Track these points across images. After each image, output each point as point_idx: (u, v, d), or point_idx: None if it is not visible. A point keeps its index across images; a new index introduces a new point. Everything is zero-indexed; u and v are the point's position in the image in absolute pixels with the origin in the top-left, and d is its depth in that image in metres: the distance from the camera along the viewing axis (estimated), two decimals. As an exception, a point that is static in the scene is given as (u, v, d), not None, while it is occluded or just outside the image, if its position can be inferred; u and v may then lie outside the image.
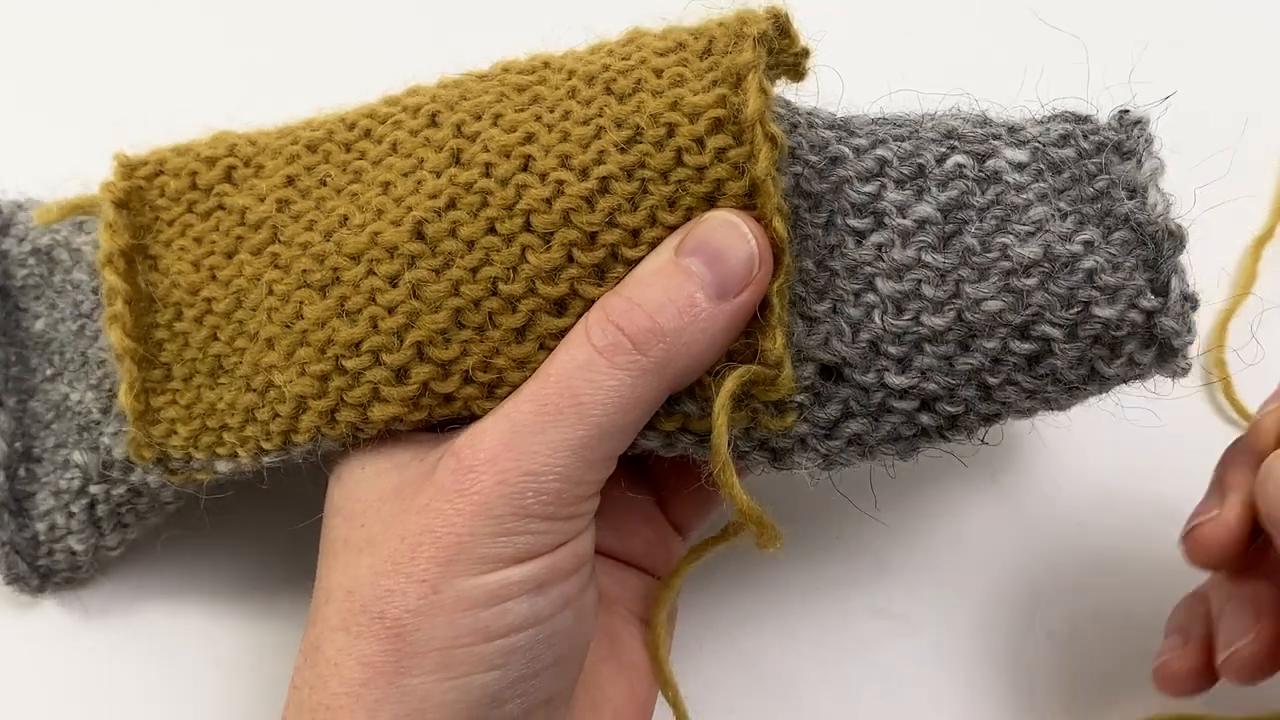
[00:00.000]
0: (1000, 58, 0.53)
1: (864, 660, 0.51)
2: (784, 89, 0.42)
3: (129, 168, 0.45)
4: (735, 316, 0.38)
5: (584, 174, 0.38)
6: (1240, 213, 0.53)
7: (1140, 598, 0.52)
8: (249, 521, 0.51)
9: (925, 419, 0.40)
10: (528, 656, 0.36)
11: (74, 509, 0.47)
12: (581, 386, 0.37)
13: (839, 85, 0.43)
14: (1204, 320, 0.54)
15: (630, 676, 0.43)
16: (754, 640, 0.52)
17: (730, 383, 0.38)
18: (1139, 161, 0.39)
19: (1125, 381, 0.41)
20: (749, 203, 0.38)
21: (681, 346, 0.37)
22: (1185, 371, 0.40)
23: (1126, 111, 0.41)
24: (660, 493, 0.47)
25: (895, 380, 0.39)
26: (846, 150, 0.40)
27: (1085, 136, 0.40)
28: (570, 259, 0.38)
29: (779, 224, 0.38)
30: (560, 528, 0.37)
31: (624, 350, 0.37)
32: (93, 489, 0.47)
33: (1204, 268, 0.41)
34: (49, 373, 0.49)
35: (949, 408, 0.40)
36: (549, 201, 0.38)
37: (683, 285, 0.37)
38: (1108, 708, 0.50)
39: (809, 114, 0.41)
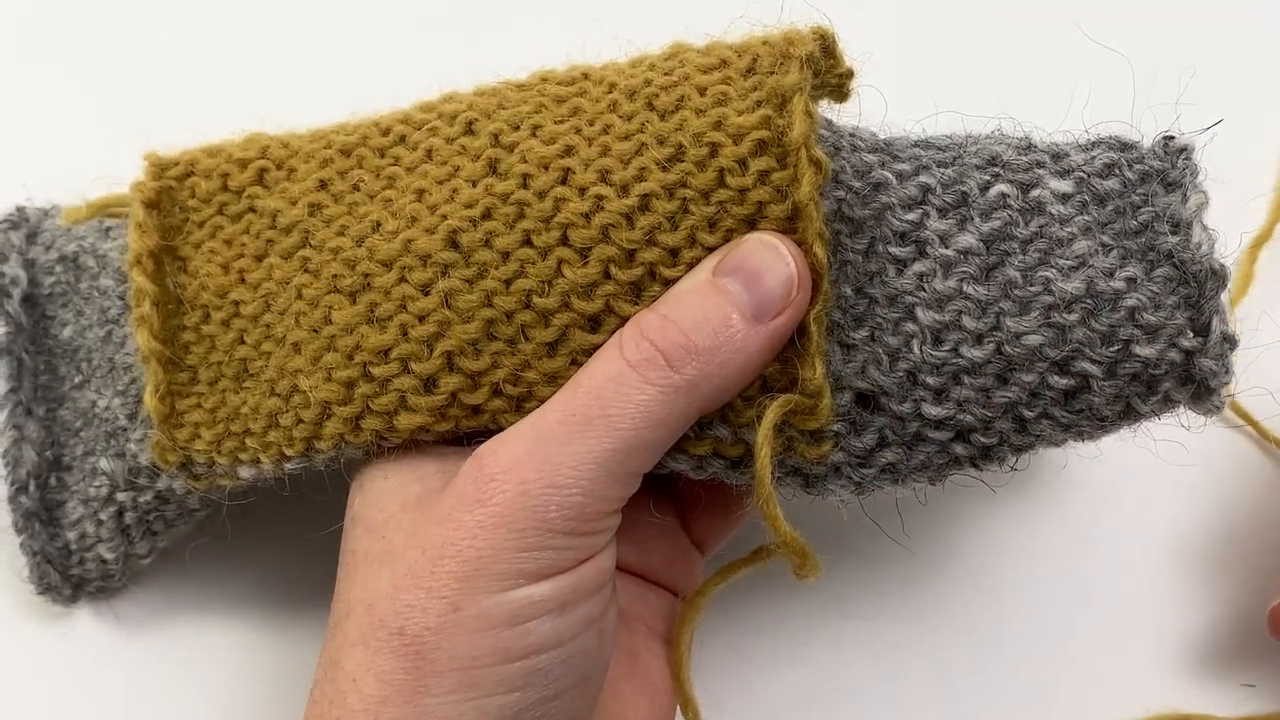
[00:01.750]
0: (1045, 76, 0.52)
1: (876, 671, 0.51)
2: (827, 109, 0.42)
3: (160, 168, 0.45)
4: (771, 339, 0.37)
5: (624, 190, 0.38)
6: (1240, 212, 0.53)
7: (1141, 598, 0.52)
8: (278, 528, 0.51)
9: (959, 449, 0.39)
10: (549, 678, 0.36)
11: (103, 516, 0.47)
12: (611, 399, 0.36)
13: (882, 105, 0.43)
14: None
15: (649, 694, 0.43)
16: (768, 653, 0.52)
17: (772, 414, 0.37)
18: (1184, 195, 0.39)
19: (1158, 416, 0.40)
20: (790, 227, 0.38)
21: (715, 366, 0.36)
22: (1219, 410, 0.39)
23: (1171, 138, 0.40)
24: (682, 510, 0.47)
25: (932, 411, 0.39)
26: (890, 176, 0.40)
27: (1130, 165, 0.40)
28: (607, 275, 0.38)
29: (819, 249, 0.37)
30: (582, 543, 0.36)
31: (657, 366, 0.36)
32: (120, 496, 0.46)
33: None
34: (77, 380, 0.49)
35: (984, 439, 0.39)
36: (588, 216, 0.38)
37: (719, 305, 0.37)
38: (1108, 707, 0.50)
39: (851, 135, 0.41)
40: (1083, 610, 0.52)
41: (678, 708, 0.45)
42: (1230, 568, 0.52)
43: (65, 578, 0.49)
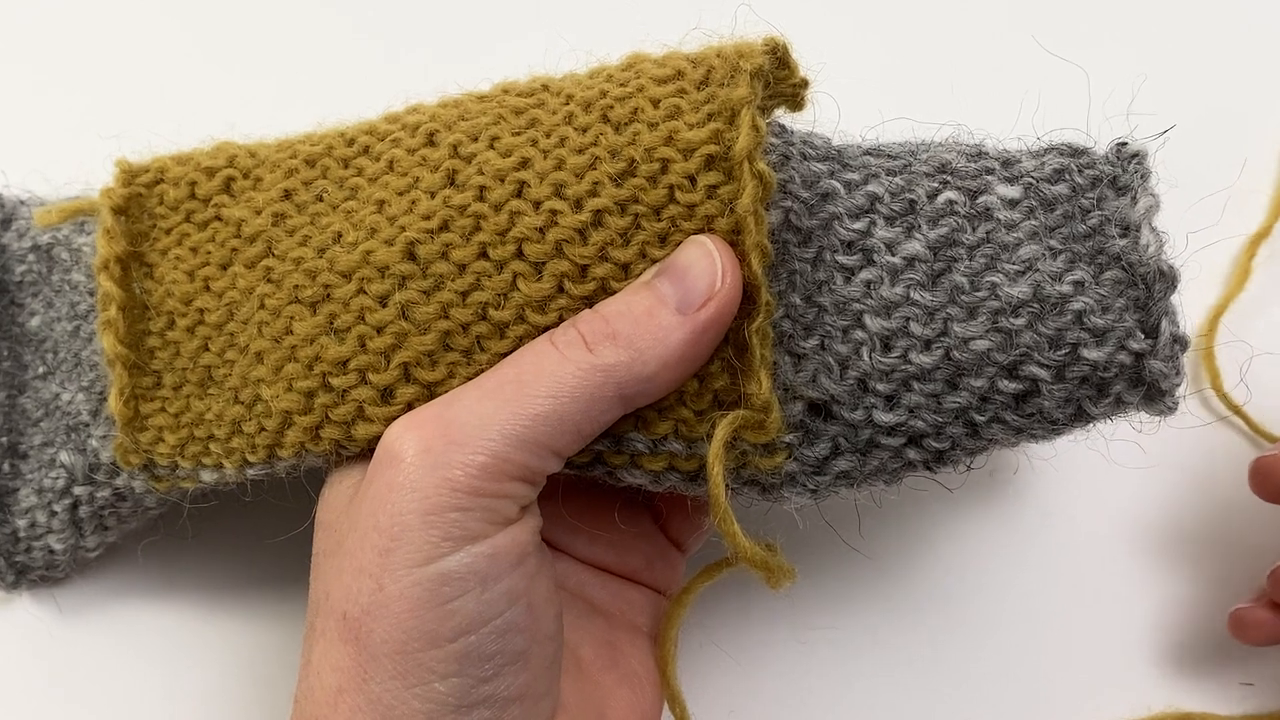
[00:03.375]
0: (1001, 86, 0.53)
1: (866, 668, 0.52)
2: (783, 117, 0.42)
3: (129, 174, 0.45)
4: (697, 331, 0.38)
5: (578, 205, 0.38)
6: (1238, 209, 0.54)
7: (1139, 597, 0.52)
8: (230, 531, 0.51)
9: (912, 454, 0.40)
10: (483, 658, 0.36)
11: (56, 508, 0.48)
12: (527, 370, 0.37)
13: (836, 111, 0.43)
14: (1197, 316, 0.55)
15: (633, 685, 0.43)
16: (752, 648, 0.52)
17: (722, 430, 0.38)
18: (1134, 198, 0.39)
19: (1110, 418, 0.40)
20: (734, 239, 0.38)
21: (634, 352, 0.37)
22: (1172, 411, 0.39)
23: (1124, 144, 0.40)
24: (658, 512, 0.47)
25: (883, 417, 0.39)
26: (838, 185, 0.40)
27: (1080, 171, 0.40)
28: (561, 289, 0.39)
29: (755, 261, 0.38)
30: (489, 505, 0.36)
31: (576, 346, 0.37)
32: (77, 490, 0.47)
33: (1199, 264, 0.41)
34: (41, 370, 0.49)
35: (936, 444, 0.40)
36: (542, 231, 0.38)
37: (644, 297, 0.38)
38: (1109, 706, 0.51)
39: (803, 142, 0.41)
40: (1082, 609, 0.52)
41: (664, 701, 0.45)
42: (1229, 565, 0.52)
43: (10, 564, 0.49)
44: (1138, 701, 0.51)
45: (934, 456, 0.40)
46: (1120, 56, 0.55)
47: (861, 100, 0.43)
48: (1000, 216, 0.39)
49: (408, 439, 0.36)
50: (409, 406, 0.39)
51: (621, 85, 0.40)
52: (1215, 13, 0.61)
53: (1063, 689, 0.51)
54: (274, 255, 0.42)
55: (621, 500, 0.45)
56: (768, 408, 0.38)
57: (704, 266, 0.38)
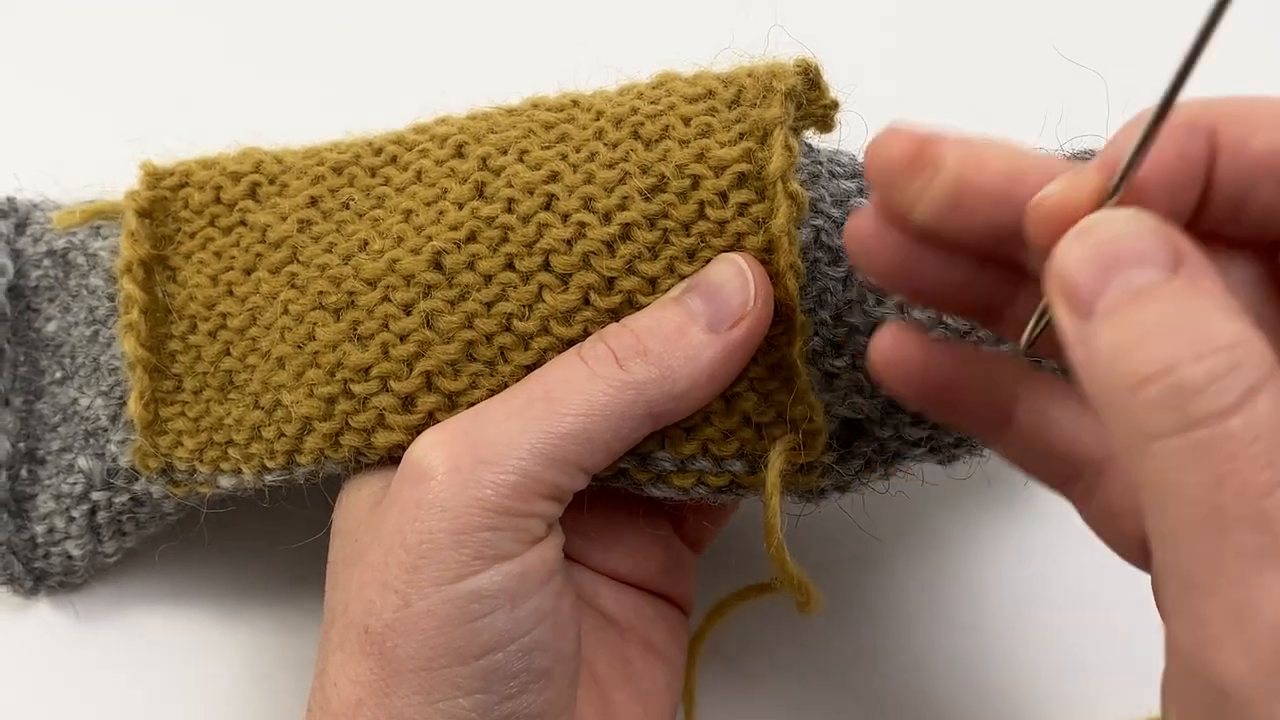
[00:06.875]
0: (1024, 98, 0.53)
1: (865, 673, 0.52)
2: (811, 137, 0.42)
3: (155, 177, 0.45)
4: (728, 350, 0.37)
5: (606, 218, 0.38)
6: None
7: (1144, 598, 0.52)
8: (247, 537, 0.51)
9: (934, 459, 0.41)
10: (508, 675, 0.36)
11: (74, 514, 0.47)
12: (557, 387, 0.37)
13: (863, 128, 0.43)
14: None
15: (646, 702, 0.43)
16: (757, 649, 0.52)
17: (777, 460, 0.38)
18: None
19: None
20: (766, 258, 0.38)
21: (665, 370, 0.37)
22: None
23: None
24: (677, 517, 0.47)
25: (912, 433, 0.40)
26: (867, 204, 0.40)
27: None
28: (586, 301, 0.39)
29: (790, 282, 0.38)
30: (519, 524, 0.36)
31: (607, 362, 0.37)
32: (95, 495, 0.47)
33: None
34: (58, 375, 0.49)
35: (957, 451, 0.41)
36: (569, 243, 0.38)
37: (675, 313, 0.38)
38: (1112, 707, 0.51)
39: (831, 160, 0.41)
40: (1085, 610, 0.52)
41: (676, 713, 0.45)
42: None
43: (28, 570, 0.49)
44: (1137, 701, 0.50)
45: (949, 458, 0.41)
46: (1140, 63, 0.55)
47: (886, 115, 0.43)
48: None
49: (435, 455, 0.36)
50: (430, 415, 0.39)
51: (652, 103, 0.40)
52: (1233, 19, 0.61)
53: (1064, 690, 0.51)
54: (299, 261, 0.42)
55: (644, 506, 0.44)
56: (819, 431, 0.38)
57: (736, 285, 0.37)
